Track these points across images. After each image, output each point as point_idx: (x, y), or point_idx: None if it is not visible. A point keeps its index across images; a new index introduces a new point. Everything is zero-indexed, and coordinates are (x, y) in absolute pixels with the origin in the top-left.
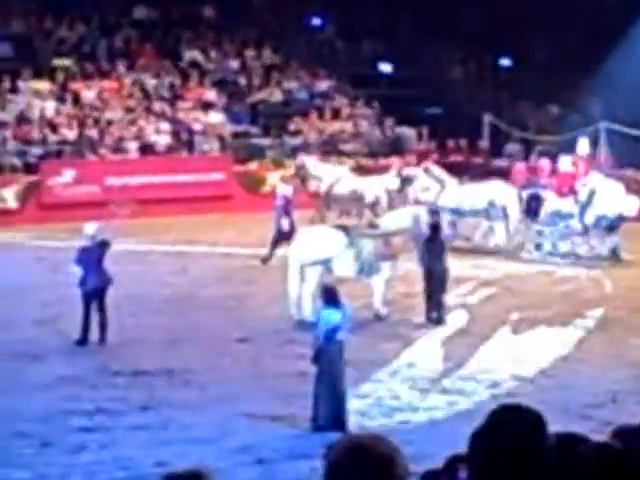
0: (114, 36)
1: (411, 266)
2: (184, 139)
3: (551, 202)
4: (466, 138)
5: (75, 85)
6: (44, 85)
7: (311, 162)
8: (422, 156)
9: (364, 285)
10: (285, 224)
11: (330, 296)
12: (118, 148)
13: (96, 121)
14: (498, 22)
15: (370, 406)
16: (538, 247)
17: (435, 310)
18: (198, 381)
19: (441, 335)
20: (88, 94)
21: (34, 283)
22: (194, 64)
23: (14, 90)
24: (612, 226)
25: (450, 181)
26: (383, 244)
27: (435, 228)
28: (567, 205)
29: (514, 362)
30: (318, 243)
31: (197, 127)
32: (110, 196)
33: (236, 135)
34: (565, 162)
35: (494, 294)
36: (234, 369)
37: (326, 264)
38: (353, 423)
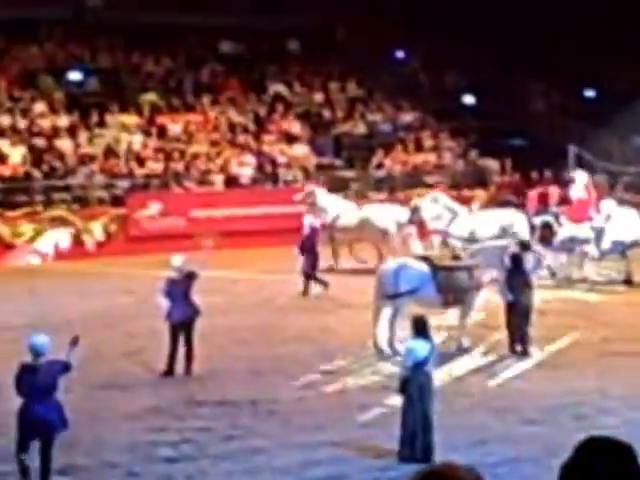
0: (200, 70)
1: (493, 298)
2: (268, 171)
3: (566, 228)
4: (550, 169)
5: (161, 119)
6: (131, 119)
7: (320, 192)
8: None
9: (448, 317)
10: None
11: (420, 327)
12: (203, 181)
13: (182, 154)
14: (581, 54)
15: (455, 438)
16: (553, 274)
17: (519, 343)
18: (282, 411)
19: (525, 367)
20: (174, 127)
21: (121, 314)
22: (279, 97)
23: (102, 124)
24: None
25: (460, 209)
26: (467, 276)
27: (516, 260)
28: (582, 231)
29: (601, 394)
30: (402, 274)
31: (281, 159)
32: (195, 228)
33: (320, 167)
34: (578, 189)
35: (576, 324)
36: (318, 400)
37: (412, 294)
38: (439, 454)
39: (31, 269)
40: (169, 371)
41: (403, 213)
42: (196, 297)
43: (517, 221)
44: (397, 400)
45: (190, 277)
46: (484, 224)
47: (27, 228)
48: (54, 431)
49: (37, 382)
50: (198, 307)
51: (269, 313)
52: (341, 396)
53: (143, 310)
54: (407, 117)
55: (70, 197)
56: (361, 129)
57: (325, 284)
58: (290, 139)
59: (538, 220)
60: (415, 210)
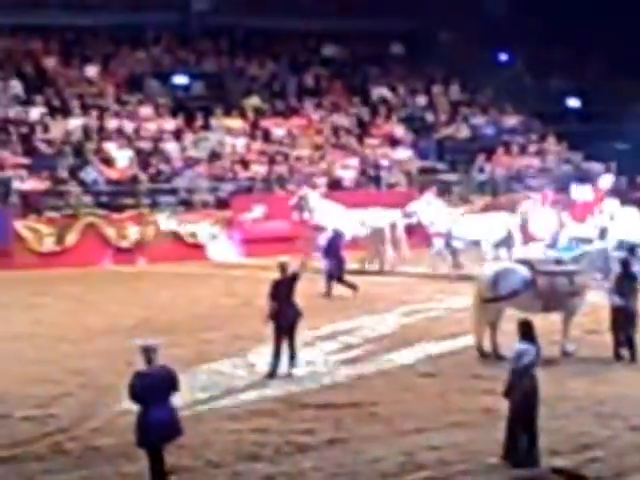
0: (303, 74)
1: (598, 301)
2: (371, 174)
3: (570, 228)
4: None
5: (265, 122)
6: (235, 123)
7: (313, 196)
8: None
9: (551, 321)
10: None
11: (526, 331)
12: (306, 184)
13: (285, 157)
14: None
15: (559, 443)
16: None
17: (625, 347)
18: (384, 414)
19: (630, 372)
20: (278, 131)
21: (226, 316)
22: (382, 100)
23: (206, 128)
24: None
25: (453, 212)
26: (568, 281)
27: (625, 264)
28: (586, 230)
29: None
30: (503, 278)
31: (384, 163)
32: (299, 231)
33: (423, 171)
34: (584, 191)
35: None
36: (420, 403)
37: (511, 298)
38: (542, 459)
39: (137, 271)
40: (272, 373)
41: (396, 216)
42: (298, 299)
43: (509, 224)
44: (500, 403)
45: (294, 279)
46: (484, 225)
47: (133, 230)
48: (173, 436)
49: (153, 388)
50: (301, 309)
51: (366, 314)
52: (443, 399)
53: (247, 312)
54: (510, 120)
55: (175, 200)
56: (464, 132)
57: (354, 287)
58: (393, 142)
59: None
60: (410, 214)
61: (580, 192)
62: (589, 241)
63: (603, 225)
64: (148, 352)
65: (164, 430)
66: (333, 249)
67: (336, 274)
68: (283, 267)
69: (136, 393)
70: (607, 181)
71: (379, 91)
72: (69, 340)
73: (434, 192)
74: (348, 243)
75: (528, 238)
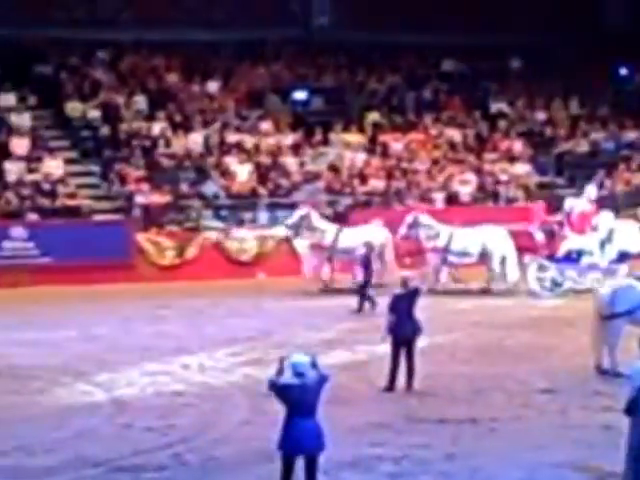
0: (422, 89)
1: None
2: (489, 189)
3: (571, 240)
4: None
5: (384, 137)
6: (354, 137)
7: (314, 215)
8: None
9: None
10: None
11: None
12: (424, 198)
13: (403, 172)
14: None
15: None
16: (556, 285)
17: None
18: (503, 430)
19: None
20: (396, 145)
21: (343, 331)
22: (501, 115)
23: (325, 142)
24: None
25: (444, 229)
26: None
27: None
28: (587, 242)
29: None
30: (621, 295)
31: (503, 178)
32: (417, 246)
33: (541, 186)
34: (580, 202)
35: None
36: (539, 419)
37: (630, 315)
38: None
39: (259, 285)
40: (390, 386)
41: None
42: (419, 314)
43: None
44: (620, 421)
45: (415, 293)
46: (474, 240)
47: (252, 244)
48: (314, 451)
49: (304, 400)
50: (421, 324)
51: (489, 332)
52: (562, 416)
53: (364, 326)
54: (631, 135)
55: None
56: (583, 147)
57: (373, 302)
58: (512, 157)
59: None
60: (414, 225)
61: (576, 203)
62: (590, 253)
63: (603, 236)
64: (297, 368)
65: (306, 444)
66: (366, 262)
67: (362, 288)
68: (405, 281)
69: (285, 401)
70: (592, 192)
71: (498, 106)
72: (189, 352)
73: (421, 210)
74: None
75: None
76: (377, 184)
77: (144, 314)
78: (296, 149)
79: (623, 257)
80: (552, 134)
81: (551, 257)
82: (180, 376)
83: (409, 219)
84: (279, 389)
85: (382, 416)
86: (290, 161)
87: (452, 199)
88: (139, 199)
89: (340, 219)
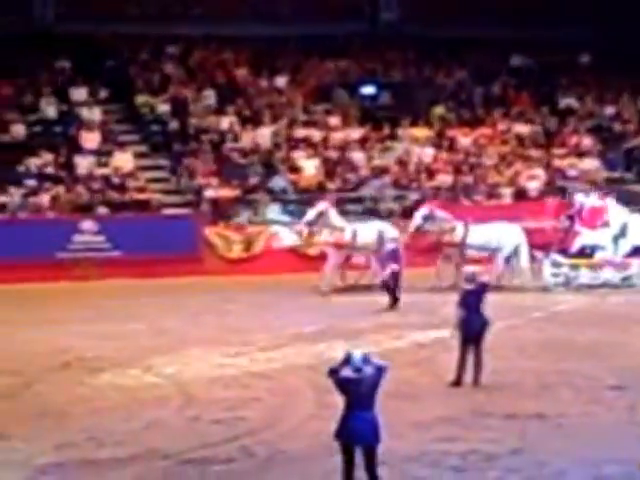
0: (490, 84)
1: None
2: (556, 185)
3: (584, 236)
4: None
5: (451, 132)
6: (422, 132)
7: (332, 212)
8: None
9: None
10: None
11: None
12: (492, 194)
13: (471, 167)
14: None
15: None
16: (570, 281)
17: None
18: (571, 426)
19: None
20: (464, 140)
21: (412, 325)
22: (570, 110)
23: (393, 137)
24: None
25: (456, 223)
26: None
27: None
28: (601, 238)
29: None
30: None
31: (571, 173)
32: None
33: (610, 181)
34: (591, 197)
35: None
36: (607, 416)
37: None
38: None
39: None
40: (457, 381)
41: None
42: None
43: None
44: None
45: (483, 288)
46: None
47: (319, 238)
48: (370, 442)
49: (361, 393)
50: (489, 318)
51: (556, 327)
52: (630, 412)
53: (430, 321)
54: None
55: (361, 209)
56: None
57: (396, 300)
58: (580, 153)
59: None
60: (428, 218)
61: (587, 198)
62: (602, 248)
63: (616, 231)
64: (355, 364)
65: (361, 437)
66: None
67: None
68: (473, 277)
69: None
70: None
71: (567, 101)
72: (257, 345)
73: (437, 204)
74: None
75: None
76: (445, 179)
77: (212, 307)
78: (364, 143)
79: (637, 251)
80: (621, 129)
81: (565, 252)
82: (247, 369)
83: (423, 212)
84: (338, 380)
85: (449, 411)
86: (358, 156)
87: (520, 194)
88: (208, 193)
89: (406, 214)
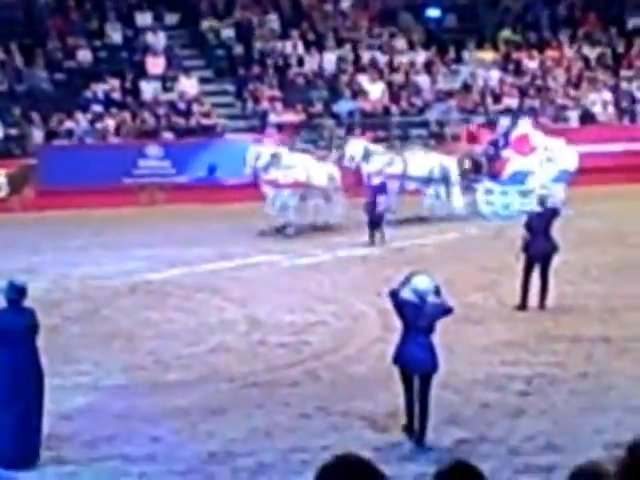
0: (557, 5)
1: None
2: (625, 108)
3: (515, 162)
4: None
5: (518, 55)
6: (488, 55)
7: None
8: None
9: None
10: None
11: None
12: (558, 117)
13: (538, 90)
14: None
15: None
16: (506, 207)
17: None
18: (637, 350)
19: None
20: (530, 64)
21: (474, 248)
22: (638, 31)
23: (458, 60)
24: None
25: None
26: None
27: None
28: (530, 163)
29: None
30: None
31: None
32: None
33: None
34: (524, 124)
35: None
36: None
37: None
38: None
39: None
40: (522, 305)
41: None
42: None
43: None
44: None
45: (553, 213)
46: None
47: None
48: (425, 370)
49: (419, 320)
50: (557, 243)
51: (623, 249)
52: None
53: (496, 244)
54: None
55: (426, 133)
56: None
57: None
58: None
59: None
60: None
61: (520, 125)
62: (532, 173)
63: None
64: (418, 292)
65: (416, 363)
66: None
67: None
68: (542, 200)
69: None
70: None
71: (635, 21)
72: (322, 270)
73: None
74: None
75: None
76: (510, 102)
77: (276, 232)
78: (429, 67)
79: (564, 175)
80: None
81: (496, 179)
82: (314, 294)
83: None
84: (397, 302)
85: (515, 335)
86: (422, 79)
87: (587, 118)
88: (273, 118)
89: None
